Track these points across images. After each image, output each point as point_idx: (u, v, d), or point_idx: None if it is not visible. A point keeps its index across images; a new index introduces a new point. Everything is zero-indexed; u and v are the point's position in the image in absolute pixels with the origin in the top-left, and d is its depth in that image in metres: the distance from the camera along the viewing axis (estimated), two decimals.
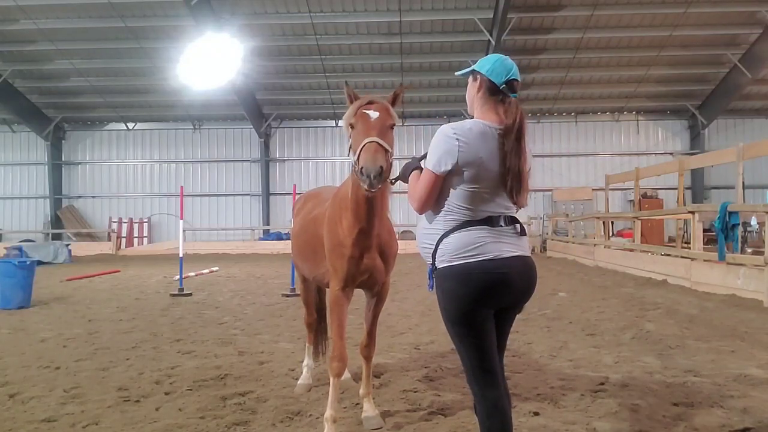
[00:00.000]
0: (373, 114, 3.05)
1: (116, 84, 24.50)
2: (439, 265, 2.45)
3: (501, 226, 2.44)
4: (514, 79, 2.48)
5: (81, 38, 21.55)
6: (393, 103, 3.22)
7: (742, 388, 4.23)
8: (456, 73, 2.90)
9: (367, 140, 2.92)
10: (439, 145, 2.40)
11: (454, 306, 2.40)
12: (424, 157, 2.58)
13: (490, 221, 2.43)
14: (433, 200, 2.48)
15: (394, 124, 3.11)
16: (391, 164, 3.02)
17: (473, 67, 2.58)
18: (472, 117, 2.59)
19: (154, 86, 24.23)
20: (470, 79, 2.60)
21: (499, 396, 2.44)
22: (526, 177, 2.46)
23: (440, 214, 2.49)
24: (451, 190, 2.43)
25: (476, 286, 2.36)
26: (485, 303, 2.40)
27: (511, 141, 2.39)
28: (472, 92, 2.57)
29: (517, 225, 2.51)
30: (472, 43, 21.54)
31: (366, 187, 2.88)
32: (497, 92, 2.47)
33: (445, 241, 2.44)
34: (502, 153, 2.39)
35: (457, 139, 2.37)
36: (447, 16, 20.29)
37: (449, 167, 2.38)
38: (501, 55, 2.57)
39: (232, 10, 20.06)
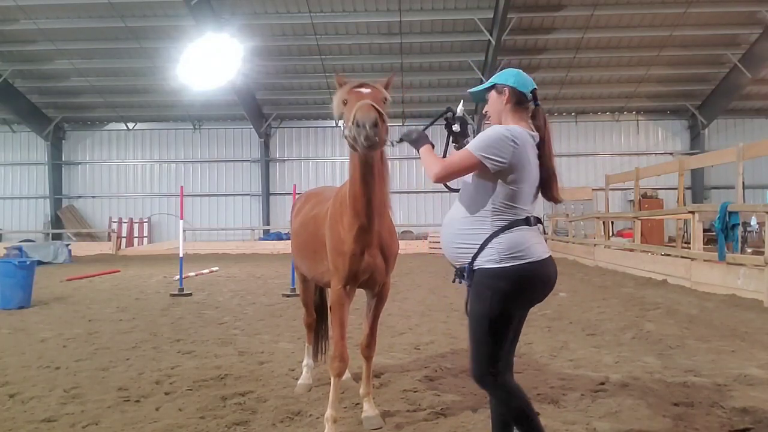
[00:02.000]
0: (365, 90, 3.11)
1: (116, 84, 24.50)
2: (487, 264, 2.56)
3: (532, 225, 2.65)
4: (535, 88, 2.72)
5: (81, 38, 21.55)
6: (386, 87, 3.25)
7: (742, 388, 4.23)
8: (470, 90, 2.93)
9: (360, 102, 2.95)
10: (493, 140, 2.54)
11: (502, 303, 2.55)
12: (422, 134, 2.84)
13: (528, 221, 2.62)
14: (455, 178, 2.65)
15: (387, 99, 3.15)
16: (387, 130, 3.05)
17: (494, 81, 2.74)
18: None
19: (154, 86, 24.23)
20: (493, 93, 2.74)
21: (513, 379, 2.72)
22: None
23: (484, 215, 2.60)
24: (500, 190, 2.57)
25: (527, 287, 2.57)
26: (530, 301, 2.67)
27: (546, 145, 2.66)
28: (498, 105, 2.72)
29: (540, 224, 2.73)
30: (472, 43, 21.54)
31: (363, 140, 2.85)
32: (524, 102, 2.69)
33: (495, 240, 2.56)
34: (539, 156, 2.63)
35: (513, 140, 2.54)
36: (447, 16, 20.28)
37: (495, 165, 2.53)
38: (517, 69, 2.77)
39: (232, 10, 20.06)
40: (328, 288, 4.01)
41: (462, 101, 3.09)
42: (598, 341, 5.99)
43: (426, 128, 3.05)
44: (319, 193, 4.49)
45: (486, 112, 2.81)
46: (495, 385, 2.62)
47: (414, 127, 3.03)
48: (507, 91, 2.68)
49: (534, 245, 2.58)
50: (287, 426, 3.65)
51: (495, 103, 2.73)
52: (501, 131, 2.56)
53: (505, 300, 2.54)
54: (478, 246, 2.58)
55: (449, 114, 2.93)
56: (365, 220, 3.36)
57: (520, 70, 2.74)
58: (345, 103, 3.14)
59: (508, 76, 2.71)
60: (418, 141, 2.82)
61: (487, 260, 2.56)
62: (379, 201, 3.36)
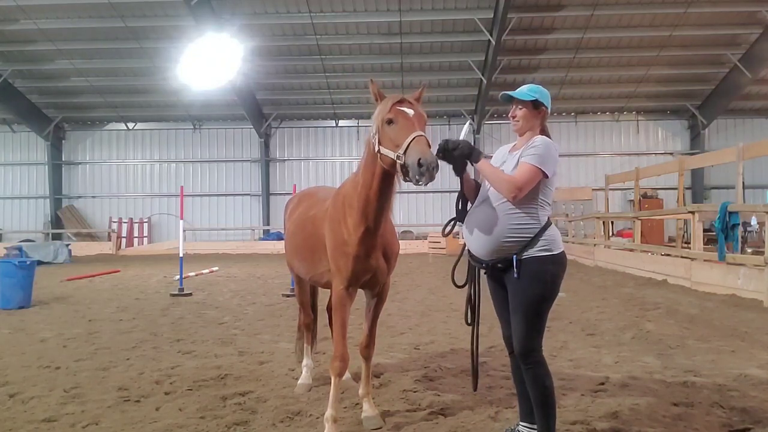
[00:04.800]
0: (410, 111, 3.11)
1: (116, 84, 24.51)
2: (542, 253, 2.93)
3: None
4: None
5: (81, 38, 21.56)
6: (418, 101, 3.28)
7: (742, 388, 4.23)
8: (516, 95, 3.09)
9: (415, 134, 2.97)
10: (550, 152, 2.97)
11: (555, 285, 2.98)
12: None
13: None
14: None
15: (426, 120, 3.19)
16: None
17: (536, 97, 3.07)
18: (523, 135, 3.13)
19: (154, 86, 24.23)
20: (530, 106, 3.08)
21: None
22: None
23: (532, 211, 2.96)
24: (543, 189, 2.99)
25: (565, 269, 3.05)
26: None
27: None
28: (533, 117, 3.10)
29: None
30: (472, 43, 21.54)
31: (424, 181, 2.86)
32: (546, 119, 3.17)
33: (547, 232, 2.97)
34: None
35: (556, 149, 3.03)
36: (447, 16, 20.29)
37: (552, 172, 2.96)
38: (545, 89, 3.16)
39: (232, 10, 20.07)
40: (326, 289, 4.01)
41: (467, 125, 3.23)
42: (598, 341, 5.99)
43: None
44: (313, 194, 4.47)
45: (515, 116, 3.11)
46: (539, 360, 2.96)
47: (459, 138, 3.11)
48: (544, 110, 3.10)
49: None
50: (287, 426, 3.65)
51: (531, 114, 3.08)
52: (550, 143, 3.00)
53: (558, 281, 2.98)
54: (530, 238, 2.93)
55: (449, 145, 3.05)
56: (372, 224, 3.38)
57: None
58: (389, 122, 3.10)
59: (545, 97, 3.10)
60: (472, 154, 3.03)
61: (540, 249, 2.93)
62: (388, 204, 3.39)
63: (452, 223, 3.34)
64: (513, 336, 3.01)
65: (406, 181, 3.03)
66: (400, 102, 3.15)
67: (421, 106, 3.24)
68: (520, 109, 3.09)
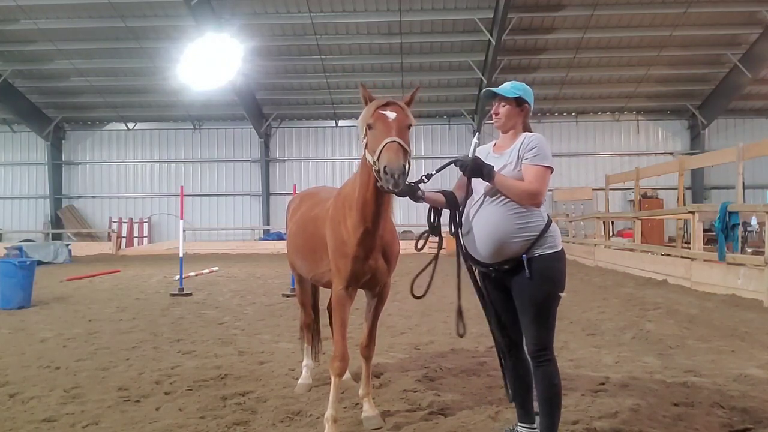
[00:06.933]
0: (391, 114, 3.07)
1: (116, 84, 24.51)
2: (548, 250, 2.92)
3: None
4: None
5: (81, 38, 21.57)
6: (409, 103, 3.24)
7: (742, 388, 4.23)
8: (499, 92, 3.06)
9: (387, 140, 2.94)
10: (547, 147, 2.95)
11: (564, 281, 2.99)
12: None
13: None
14: None
15: (411, 125, 3.14)
16: (409, 164, 3.01)
17: (519, 94, 3.03)
18: (504, 132, 3.12)
19: (154, 86, 24.24)
20: (513, 104, 3.05)
21: None
22: None
23: (533, 209, 2.90)
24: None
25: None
26: None
27: None
28: (516, 115, 3.06)
29: None
30: (472, 43, 21.55)
31: (390, 186, 2.88)
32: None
33: (550, 230, 2.94)
34: None
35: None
36: (447, 16, 20.29)
37: (552, 164, 2.95)
38: (528, 86, 3.12)
39: (232, 10, 20.06)
40: (327, 288, 4.01)
41: (474, 140, 3.13)
42: (598, 341, 5.99)
43: (439, 171, 3.15)
44: (315, 194, 4.48)
45: (498, 113, 3.07)
46: (551, 357, 2.96)
47: (466, 156, 2.98)
48: (527, 108, 3.07)
49: None
50: (287, 426, 3.65)
51: (514, 112, 3.05)
52: (543, 138, 2.99)
53: (564, 278, 2.99)
54: (536, 236, 2.89)
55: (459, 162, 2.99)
56: (371, 225, 3.37)
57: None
58: (370, 127, 3.09)
59: (528, 94, 3.07)
60: (483, 172, 2.90)
61: (548, 247, 2.91)
62: (386, 205, 3.38)
63: (426, 235, 3.22)
64: (525, 336, 2.98)
65: (383, 189, 3.03)
66: (384, 106, 3.11)
67: (414, 107, 3.19)
68: (504, 106, 3.05)
